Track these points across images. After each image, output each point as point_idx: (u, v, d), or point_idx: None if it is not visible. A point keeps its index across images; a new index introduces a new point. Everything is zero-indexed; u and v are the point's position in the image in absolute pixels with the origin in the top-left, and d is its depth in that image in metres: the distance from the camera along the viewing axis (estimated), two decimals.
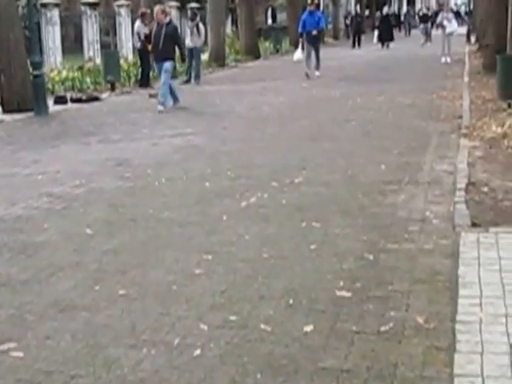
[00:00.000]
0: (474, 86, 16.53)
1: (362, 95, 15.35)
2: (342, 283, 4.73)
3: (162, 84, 14.01)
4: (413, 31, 52.73)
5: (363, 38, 50.19)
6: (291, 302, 4.43)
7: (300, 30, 20.96)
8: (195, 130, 11.37)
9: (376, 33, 37.63)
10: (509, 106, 12.28)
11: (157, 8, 14.59)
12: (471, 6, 66.27)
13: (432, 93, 15.48)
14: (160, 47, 13.90)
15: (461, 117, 11.87)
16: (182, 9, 34.47)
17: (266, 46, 34.35)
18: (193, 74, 19.41)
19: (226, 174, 8.10)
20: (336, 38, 47.08)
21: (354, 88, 17.08)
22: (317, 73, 20.36)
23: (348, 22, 44.88)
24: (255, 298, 4.50)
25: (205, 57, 25.72)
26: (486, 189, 6.99)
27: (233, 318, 4.19)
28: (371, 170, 8.17)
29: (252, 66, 26.34)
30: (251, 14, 29.72)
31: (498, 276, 4.77)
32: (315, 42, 20.56)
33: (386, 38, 35.27)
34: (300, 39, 21.76)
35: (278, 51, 33.30)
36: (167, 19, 14.25)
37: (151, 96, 16.09)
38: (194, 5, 32.44)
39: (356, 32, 38.85)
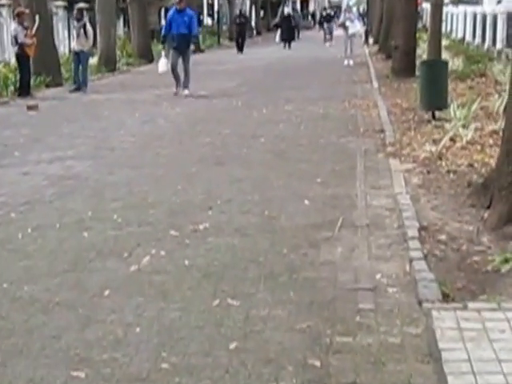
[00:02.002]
0: (386, 92, 15.29)
1: (268, 105, 13.80)
2: None
3: None
4: (304, 33, 51.61)
5: (260, 39, 49.23)
6: None
7: (163, 31, 16.48)
8: (77, 153, 9.48)
9: (278, 32, 38.14)
10: (433, 116, 11.02)
11: None
12: (362, 7, 66.31)
13: (343, 100, 14.12)
14: None
15: (382, 130, 10.48)
16: (69, 8, 32.12)
17: (159, 48, 32.40)
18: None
19: (111, 219, 6.31)
20: (232, 39, 45.52)
21: (257, 96, 15.52)
22: (186, 91, 15.69)
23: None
24: None
25: (94, 61, 23.65)
26: (444, 236, 5.50)
27: None
28: (293, 207, 6.57)
29: (145, 71, 24.35)
30: (144, 14, 27.73)
31: None
32: (184, 49, 15.66)
33: (287, 37, 35.80)
34: (163, 45, 17.02)
35: None
36: None
37: (30, 108, 14.02)
38: (82, 5, 30.20)
39: (239, 35, 34.47)
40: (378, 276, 4.79)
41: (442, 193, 6.84)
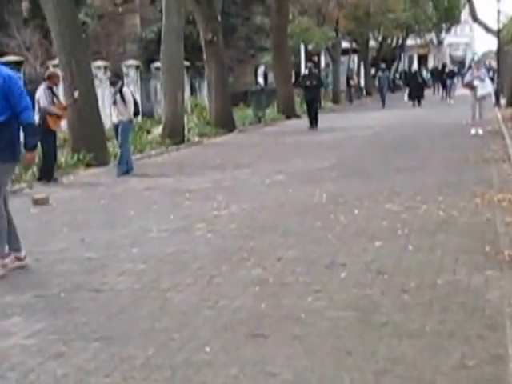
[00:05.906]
0: None
1: (362, 200, 10.50)
2: None
3: None
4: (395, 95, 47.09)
5: (369, 101, 46.19)
6: None
7: None
8: (39, 295, 6.46)
9: (407, 91, 40.19)
10: None
11: None
12: (488, 62, 62.08)
13: (473, 194, 10.63)
14: None
15: None
16: (146, 68, 30.24)
17: (247, 113, 29.81)
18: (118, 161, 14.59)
19: None
20: (336, 101, 42.75)
21: (350, 184, 12.26)
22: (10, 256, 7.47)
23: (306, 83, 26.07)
24: None
25: (158, 131, 21.23)
26: None
27: None
28: None
29: (220, 143, 21.65)
30: (222, 74, 25.06)
31: None
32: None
33: (416, 95, 37.62)
34: None
35: (260, 120, 28.68)
36: None
37: (36, 202, 11.31)
38: (158, 64, 28.15)
39: (310, 102, 25.72)
40: None
41: None
